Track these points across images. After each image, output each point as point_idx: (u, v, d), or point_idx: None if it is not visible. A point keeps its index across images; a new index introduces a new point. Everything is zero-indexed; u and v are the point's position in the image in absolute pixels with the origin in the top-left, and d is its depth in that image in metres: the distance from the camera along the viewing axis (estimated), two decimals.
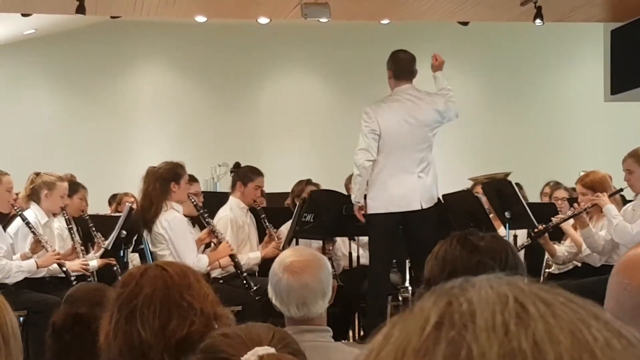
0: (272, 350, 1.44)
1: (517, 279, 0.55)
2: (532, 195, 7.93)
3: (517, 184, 6.60)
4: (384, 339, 0.54)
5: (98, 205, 8.12)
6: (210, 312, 1.98)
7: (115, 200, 8.31)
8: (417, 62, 6.10)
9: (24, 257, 5.65)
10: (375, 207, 5.92)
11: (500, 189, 6.33)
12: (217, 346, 1.49)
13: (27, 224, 5.64)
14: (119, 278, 2.24)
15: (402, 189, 5.86)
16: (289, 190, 7.34)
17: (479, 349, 0.50)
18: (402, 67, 6.06)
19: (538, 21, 8.29)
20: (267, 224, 6.32)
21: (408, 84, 6.04)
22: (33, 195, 5.89)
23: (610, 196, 5.71)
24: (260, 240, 6.42)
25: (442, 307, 0.53)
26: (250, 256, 6.20)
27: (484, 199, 6.49)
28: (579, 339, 0.51)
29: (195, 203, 5.99)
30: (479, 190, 6.88)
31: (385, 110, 5.97)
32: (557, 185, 7.73)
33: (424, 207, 5.88)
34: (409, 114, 5.93)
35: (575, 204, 5.92)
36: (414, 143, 5.92)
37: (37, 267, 5.63)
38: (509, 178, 6.88)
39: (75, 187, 6.57)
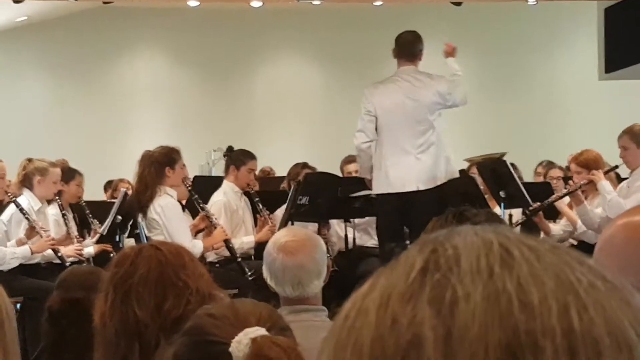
0: (263, 330, 1.42)
1: (502, 228, 0.55)
2: (528, 175, 7.93)
3: (512, 164, 6.61)
4: (370, 288, 0.54)
5: (94, 192, 8.11)
6: (205, 292, 1.98)
7: (110, 186, 8.31)
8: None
9: (20, 243, 5.65)
10: (377, 187, 5.95)
11: (495, 169, 6.34)
12: (205, 328, 1.46)
13: (21, 210, 5.63)
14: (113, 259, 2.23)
15: (398, 170, 5.85)
16: (284, 174, 7.33)
17: (463, 290, 0.50)
18: (402, 48, 6.06)
19: (531, 0, 8.27)
20: (260, 207, 6.31)
21: (410, 65, 6.01)
22: (25, 181, 5.86)
23: (605, 173, 5.72)
24: (256, 224, 6.42)
25: (427, 253, 0.53)
26: (244, 240, 6.20)
27: (479, 180, 6.50)
28: (563, 281, 0.51)
29: (190, 188, 5.98)
30: (474, 171, 6.89)
31: (382, 90, 5.97)
32: (550, 164, 7.74)
33: (421, 188, 5.85)
34: (405, 94, 5.91)
35: (571, 182, 5.93)
36: (411, 124, 5.88)
37: (32, 253, 5.63)
38: (505, 158, 6.88)
39: (71, 173, 6.55)
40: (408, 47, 6.04)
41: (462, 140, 11.04)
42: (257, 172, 6.98)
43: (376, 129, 5.95)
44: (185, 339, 1.49)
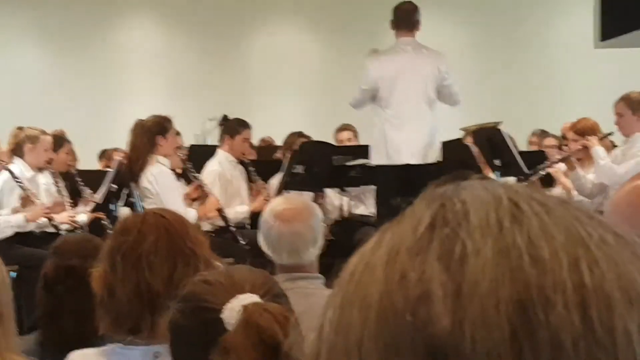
0: (255, 297, 1.42)
1: (510, 183, 0.55)
2: (523, 143, 7.93)
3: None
4: (376, 244, 0.53)
5: (88, 161, 8.09)
6: (210, 260, 1.98)
7: (105, 155, 8.29)
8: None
9: (15, 212, 5.64)
10: (377, 158, 5.93)
11: (491, 138, 6.34)
12: (199, 294, 1.46)
13: (15, 178, 5.62)
14: (113, 227, 2.21)
15: (396, 141, 5.85)
16: (280, 143, 7.32)
17: (473, 245, 0.49)
18: (399, 18, 6.02)
19: None
20: (255, 176, 6.31)
21: (409, 37, 5.98)
22: (17, 149, 5.86)
23: (600, 140, 5.75)
24: (251, 193, 6.42)
25: (435, 208, 0.52)
26: (238, 210, 6.20)
27: (475, 149, 6.50)
28: (574, 235, 0.50)
29: (182, 158, 5.98)
30: (470, 140, 6.89)
31: (382, 61, 5.95)
32: (544, 133, 7.76)
33: (418, 162, 5.83)
34: (404, 66, 5.88)
35: (565, 147, 5.95)
36: (411, 96, 5.86)
37: (26, 222, 5.63)
38: (500, 127, 6.89)
39: (60, 141, 6.54)
40: (407, 18, 6.01)
41: (456, 108, 11.02)
42: (257, 142, 6.97)
43: (376, 99, 5.93)
44: (180, 305, 1.49)
